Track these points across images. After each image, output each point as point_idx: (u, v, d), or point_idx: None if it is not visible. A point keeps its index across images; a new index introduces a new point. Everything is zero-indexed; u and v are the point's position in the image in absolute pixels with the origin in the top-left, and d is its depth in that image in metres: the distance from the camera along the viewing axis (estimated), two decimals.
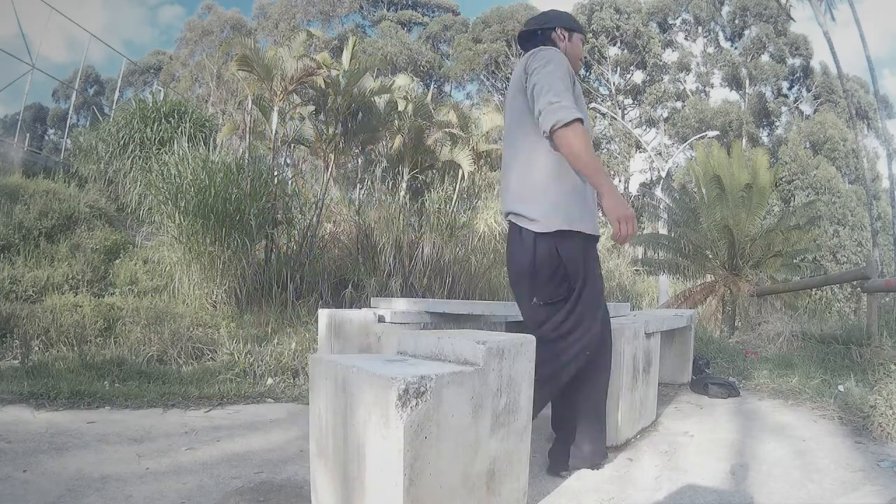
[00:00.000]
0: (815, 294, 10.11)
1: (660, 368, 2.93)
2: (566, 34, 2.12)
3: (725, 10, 28.88)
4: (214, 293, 5.02)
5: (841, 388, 3.13)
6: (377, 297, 5.24)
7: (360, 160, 8.85)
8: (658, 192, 14.48)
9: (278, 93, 6.03)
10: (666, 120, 29.08)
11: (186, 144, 5.65)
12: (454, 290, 5.84)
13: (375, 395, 1.28)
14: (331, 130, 6.48)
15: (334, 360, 1.47)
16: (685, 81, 29.99)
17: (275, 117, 6.14)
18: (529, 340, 1.64)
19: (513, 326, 4.22)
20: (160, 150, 6.82)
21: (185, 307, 4.90)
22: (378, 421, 1.27)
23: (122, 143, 7.69)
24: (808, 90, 27.52)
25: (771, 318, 5.97)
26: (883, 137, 18.36)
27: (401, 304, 3.38)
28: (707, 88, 29.76)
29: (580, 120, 1.77)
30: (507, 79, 28.80)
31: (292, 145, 7.91)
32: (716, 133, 21.40)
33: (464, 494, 1.39)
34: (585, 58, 27.13)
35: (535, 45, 2.07)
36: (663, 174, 18.94)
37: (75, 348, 3.83)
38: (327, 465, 1.46)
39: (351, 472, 1.36)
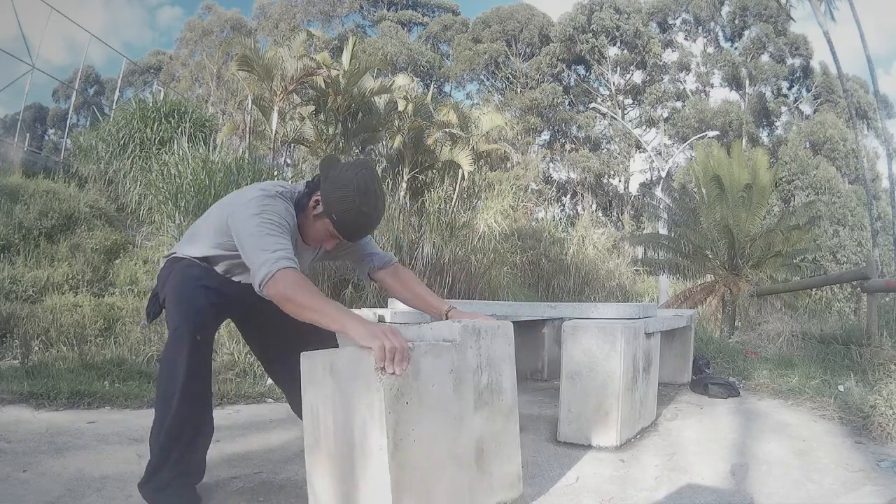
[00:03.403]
0: (815, 294, 10.12)
1: (660, 368, 2.93)
2: (319, 208, 1.72)
3: (725, 10, 28.88)
4: None
5: (841, 388, 3.13)
6: (378, 296, 5.25)
7: None
8: (658, 192, 14.47)
9: (278, 93, 6.04)
10: (666, 120, 29.08)
11: (186, 144, 5.66)
12: (454, 290, 5.84)
13: (358, 365, 1.35)
14: (331, 130, 6.49)
15: (323, 350, 1.55)
16: (685, 81, 30.01)
17: (275, 117, 6.15)
18: (507, 325, 1.70)
19: (513, 326, 4.22)
20: (160, 150, 6.82)
21: None
22: (361, 390, 1.33)
23: (122, 143, 7.69)
24: (808, 90, 27.52)
25: (771, 318, 5.98)
26: (883, 137, 18.37)
27: (401, 304, 3.38)
28: (707, 88, 29.77)
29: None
30: (507, 79, 28.94)
31: (292, 145, 7.91)
32: (716, 133, 21.39)
33: (453, 470, 1.42)
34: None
35: (306, 189, 1.77)
36: (663, 174, 18.93)
37: (75, 348, 3.83)
38: (321, 454, 1.49)
39: (341, 450, 1.40)
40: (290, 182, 2.16)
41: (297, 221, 1.74)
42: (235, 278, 1.85)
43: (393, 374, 1.31)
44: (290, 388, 1.97)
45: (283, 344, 1.91)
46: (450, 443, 1.42)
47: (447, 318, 1.86)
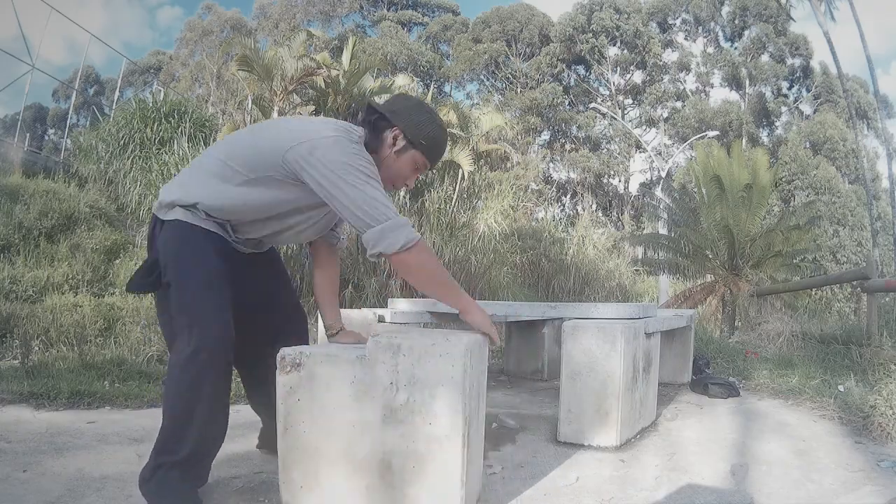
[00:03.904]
0: (815, 294, 10.12)
1: (660, 368, 2.93)
2: (401, 143, 1.63)
3: (725, 10, 28.88)
4: None
5: (841, 388, 3.13)
6: (378, 296, 5.26)
7: None
8: (658, 192, 14.48)
9: (278, 93, 6.04)
10: (666, 120, 29.09)
11: (186, 144, 5.66)
12: None
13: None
14: None
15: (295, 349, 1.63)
16: (685, 81, 30.01)
17: (275, 117, 6.15)
18: (451, 345, 1.53)
19: (513, 326, 4.23)
20: (160, 150, 6.82)
21: None
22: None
23: (122, 143, 7.69)
24: (808, 90, 27.52)
25: (771, 318, 5.98)
26: (883, 137, 18.37)
27: (402, 304, 3.38)
28: (707, 88, 29.78)
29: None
30: (507, 79, 28.95)
31: None
32: (716, 133, 21.39)
33: (348, 469, 1.54)
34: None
35: (367, 127, 1.64)
36: (663, 174, 18.94)
37: (75, 348, 3.83)
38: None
39: None
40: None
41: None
42: (246, 236, 1.65)
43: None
44: (263, 375, 1.78)
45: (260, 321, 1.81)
46: (345, 444, 1.53)
47: (335, 334, 1.86)
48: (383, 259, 1.65)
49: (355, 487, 1.54)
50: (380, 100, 7.02)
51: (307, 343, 1.89)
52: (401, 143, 1.62)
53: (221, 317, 1.55)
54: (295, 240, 1.80)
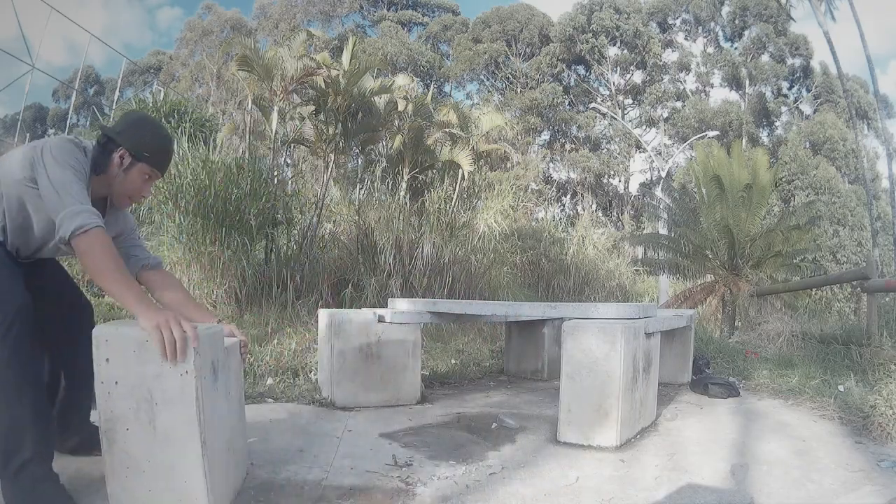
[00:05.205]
0: (815, 294, 10.11)
1: (660, 368, 2.93)
2: (127, 160, 1.75)
3: (725, 10, 28.87)
4: (214, 293, 5.02)
5: (841, 388, 3.13)
6: (378, 296, 5.25)
7: (360, 160, 8.85)
8: (658, 192, 14.48)
9: (278, 93, 6.03)
10: (666, 120, 29.08)
11: (186, 144, 5.65)
12: (454, 290, 5.84)
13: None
14: (331, 130, 6.48)
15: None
16: (685, 81, 30.00)
17: (275, 117, 6.14)
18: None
19: (513, 326, 4.23)
20: None
21: None
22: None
23: None
24: (808, 90, 27.51)
25: (771, 318, 5.98)
26: (883, 137, 18.35)
27: (402, 304, 3.38)
28: (707, 88, 29.77)
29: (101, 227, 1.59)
30: (507, 79, 28.95)
31: (292, 145, 7.91)
32: (716, 133, 21.38)
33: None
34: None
35: (99, 151, 1.75)
36: (663, 174, 18.93)
37: None
38: None
39: None
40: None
41: (95, 185, 1.74)
42: (27, 253, 1.75)
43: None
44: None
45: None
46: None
47: None
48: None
49: None
50: (379, 99, 7.04)
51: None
52: (127, 160, 1.76)
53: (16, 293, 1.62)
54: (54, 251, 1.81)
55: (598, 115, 27.63)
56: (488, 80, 30.50)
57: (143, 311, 1.49)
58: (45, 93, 35.70)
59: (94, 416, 1.77)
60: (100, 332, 1.49)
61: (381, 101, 7.08)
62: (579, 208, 26.71)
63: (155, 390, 1.48)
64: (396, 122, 7.42)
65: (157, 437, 1.49)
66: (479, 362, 4.52)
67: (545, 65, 28.59)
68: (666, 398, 3.23)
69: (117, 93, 16.28)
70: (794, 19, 25.04)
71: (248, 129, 6.77)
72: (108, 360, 1.48)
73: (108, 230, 1.66)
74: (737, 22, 28.33)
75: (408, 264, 5.77)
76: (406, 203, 6.79)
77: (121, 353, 1.48)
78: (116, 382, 1.48)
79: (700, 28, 29.85)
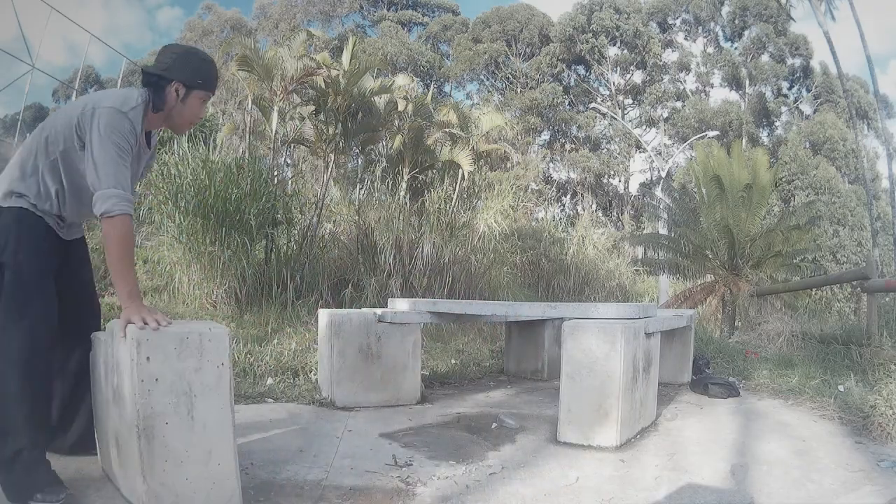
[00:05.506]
0: (815, 294, 10.11)
1: (660, 368, 2.93)
2: (182, 91, 1.85)
3: (725, 10, 28.84)
4: (214, 293, 5.02)
5: (841, 388, 3.13)
6: (378, 296, 5.25)
7: (360, 160, 8.85)
8: (658, 192, 14.47)
9: (278, 93, 6.03)
10: (666, 120, 29.06)
11: (186, 144, 5.65)
12: (454, 290, 5.84)
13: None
14: (331, 130, 6.48)
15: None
16: (685, 81, 29.97)
17: (275, 117, 6.14)
18: (132, 329, 1.57)
19: (513, 326, 4.23)
20: (160, 149, 6.79)
21: (185, 307, 4.90)
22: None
23: None
24: (808, 90, 27.49)
25: (771, 318, 5.98)
26: (883, 137, 18.35)
27: (401, 304, 3.38)
28: (707, 88, 29.74)
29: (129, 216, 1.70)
30: (507, 79, 28.92)
31: (292, 145, 7.91)
32: (716, 133, 21.37)
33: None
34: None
35: (150, 89, 1.83)
36: (663, 174, 18.92)
37: None
38: None
39: None
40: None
41: (153, 121, 1.87)
42: (69, 220, 1.83)
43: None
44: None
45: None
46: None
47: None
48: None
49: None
50: (379, 99, 7.05)
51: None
52: (182, 91, 1.85)
53: (48, 318, 1.72)
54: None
55: (598, 115, 27.61)
56: (488, 80, 30.48)
57: (127, 306, 1.64)
58: (45, 93, 35.62)
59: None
60: (138, 334, 1.54)
61: (381, 101, 7.08)
62: (579, 208, 26.70)
63: (194, 383, 1.56)
64: (396, 122, 7.41)
65: (196, 426, 1.56)
66: (479, 362, 4.52)
67: (545, 65, 28.56)
68: (666, 398, 3.23)
69: None
70: (794, 19, 25.05)
71: (248, 129, 6.76)
72: (148, 358, 1.53)
73: (141, 163, 1.92)
74: (737, 22, 28.31)
75: (408, 264, 5.77)
76: (406, 203, 6.78)
77: (161, 351, 1.54)
78: (157, 379, 1.53)
79: (700, 28, 29.84)
